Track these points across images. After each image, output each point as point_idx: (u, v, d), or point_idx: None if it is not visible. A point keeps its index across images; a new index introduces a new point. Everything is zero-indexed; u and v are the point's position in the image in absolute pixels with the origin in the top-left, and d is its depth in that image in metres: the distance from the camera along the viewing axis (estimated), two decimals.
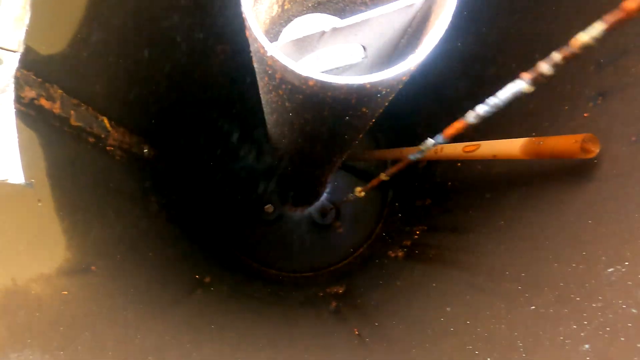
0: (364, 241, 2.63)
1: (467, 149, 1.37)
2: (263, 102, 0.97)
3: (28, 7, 0.96)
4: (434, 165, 2.14)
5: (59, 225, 0.92)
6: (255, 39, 0.60)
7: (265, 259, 2.57)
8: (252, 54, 0.76)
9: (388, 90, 0.65)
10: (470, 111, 0.78)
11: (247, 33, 0.68)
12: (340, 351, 1.15)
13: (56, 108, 1.10)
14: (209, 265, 1.89)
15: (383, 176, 1.31)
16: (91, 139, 1.29)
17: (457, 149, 1.43)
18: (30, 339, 0.62)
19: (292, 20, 0.92)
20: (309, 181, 1.93)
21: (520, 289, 0.98)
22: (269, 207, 2.71)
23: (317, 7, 0.93)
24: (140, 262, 1.23)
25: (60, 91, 1.12)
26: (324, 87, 0.60)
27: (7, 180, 0.88)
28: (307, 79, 0.59)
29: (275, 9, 0.87)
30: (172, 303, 1.14)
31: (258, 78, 0.81)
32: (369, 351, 1.12)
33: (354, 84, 0.58)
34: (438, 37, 0.60)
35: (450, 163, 1.90)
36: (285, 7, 0.89)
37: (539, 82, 0.64)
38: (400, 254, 2.07)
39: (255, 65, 0.76)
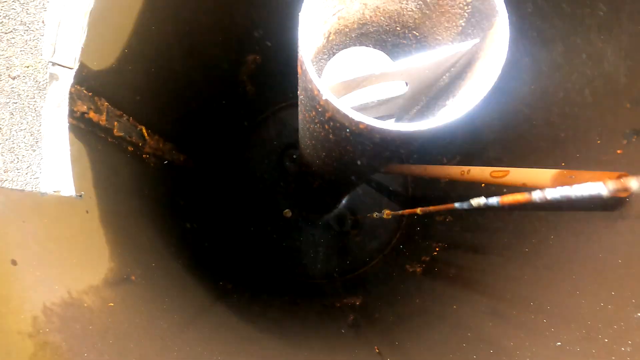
0: (381, 252, 2.65)
1: (495, 175, 1.38)
2: (302, 128, 1.00)
3: (85, 27, 1.01)
4: (457, 182, 2.14)
5: (103, 235, 0.97)
6: (311, 81, 0.63)
7: (281, 264, 2.61)
8: (299, 89, 0.79)
9: (433, 135, 0.68)
10: (538, 191, 0.80)
11: (300, 71, 0.71)
12: None
13: (102, 120, 1.15)
14: (230, 272, 1.94)
15: (418, 211, 1.32)
16: (130, 148, 1.34)
17: (484, 173, 1.44)
18: (87, 352, 0.66)
19: (334, 50, 0.95)
20: (333, 194, 1.96)
21: (546, 322, 1.00)
22: (287, 212, 2.75)
23: (360, 38, 0.96)
24: (170, 269, 1.28)
25: (106, 104, 1.17)
26: (374, 130, 0.63)
27: (59, 192, 0.93)
28: (358, 122, 0.62)
29: (321, 41, 0.91)
30: (200, 312, 1.18)
31: (302, 109, 0.85)
32: None
33: (403, 131, 0.61)
34: (487, 89, 0.62)
35: (475, 183, 1.91)
36: (330, 38, 0.92)
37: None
38: (418, 269, 2.08)
39: (302, 98, 0.80)
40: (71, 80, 1.00)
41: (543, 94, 1.42)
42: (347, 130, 0.68)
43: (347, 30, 0.90)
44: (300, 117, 0.97)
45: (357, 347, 1.38)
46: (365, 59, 0.87)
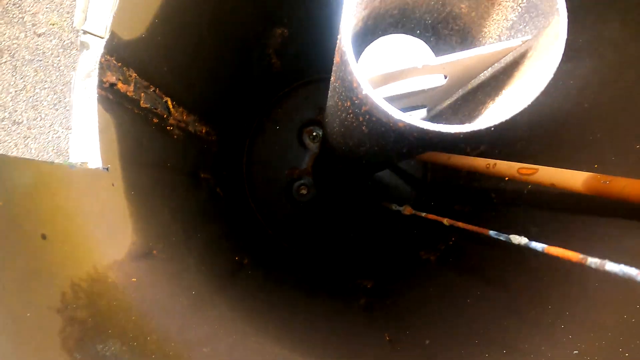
0: (395, 232, 2.64)
1: (523, 172, 1.34)
2: (332, 113, 0.98)
3: None
4: (478, 174, 2.10)
5: (127, 208, 0.98)
6: (351, 72, 0.60)
7: (295, 240, 2.63)
8: (335, 77, 0.76)
9: (473, 136, 0.65)
10: (597, 260, 0.71)
11: (338, 60, 0.68)
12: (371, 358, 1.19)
13: (130, 91, 1.14)
14: (246, 247, 1.96)
15: (445, 222, 1.29)
16: (155, 120, 1.33)
17: (512, 169, 1.40)
18: (111, 329, 0.68)
19: (371, 36, 0.91)
20: (352, 177, 1.94)
21: (564, 327, 0.98)
22: (303, 189, 2.75)
23: (400, 25, 0.92)
24: (189, 243, 1.29)
25: (134, 75, 1.16)
26: (413, 129, 0.61)
27: (87, 163, 0.94)
28: (397, 120, 0.59)
29: (359, 25, 0.87)
30: (218, 288, 1.19)
31: (336, 97, 0.82)
32: None
33: (444, 132, 0.58)
34: (536, 94, 0.59)
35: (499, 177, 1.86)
36: (368, 23, 0.88)
37: None
38: (432, 257, 2.07)
39: (338, 86, 0.77)
40: (102, 50, 0.98)
41: (580, 91, 1.36)
42: (384, 126, 0.66)
43: (387, 15, 0.87)
44: (331, 102, 0.95)
45: (369, 333, 1.40)
46: (404, 47, 0.84)
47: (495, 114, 0.60)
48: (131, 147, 1.11)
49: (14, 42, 3.72)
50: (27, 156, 3.65)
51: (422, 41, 0.86)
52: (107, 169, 0.95)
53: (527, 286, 1.24)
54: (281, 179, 2.71)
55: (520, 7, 0.68)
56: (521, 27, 0.69)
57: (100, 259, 0.75)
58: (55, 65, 3.75)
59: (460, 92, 0.93)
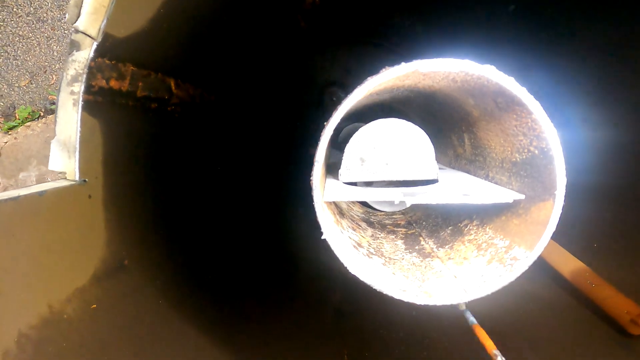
0: None
1: None
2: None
3: None
4: None
5: (103, 219, 0.98)
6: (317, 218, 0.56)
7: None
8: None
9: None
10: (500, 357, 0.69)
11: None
12: None
13: (124, 86, 1.08)
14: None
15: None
16: (154, 105, 1.28)
17: None
18: None
19: (371, 114, 0.83)
20: None
21: None
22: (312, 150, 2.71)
23: (403, 110, 0.83)
24: (165, 244, 1.28)
25: (131, 67, 1.09)
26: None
27: (65, 173, 0.92)
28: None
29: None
30: (177, 303, 1.19)
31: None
32: None
33: (410, 302, 0.55)
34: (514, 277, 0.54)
35: None
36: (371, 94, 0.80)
37: None
38: None
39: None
40: (92, 54, 0.92)
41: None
42: None
43: (392, 100, 0.78)
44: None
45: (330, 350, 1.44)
46: (400, 132, 0.76)
47: (465, 294, 0.56)
48: (120, 147, 1.08)
49: None
50: (49, 58, 3.65)
51: (421, 130, 0.78)
52: (85, 181, 0.93)
53: None
54: (291, 142, 2.67)
55: (526, 156, 0.60)
56: (522, 173, 0.62)
57: (59, 294, 0.77)
58: None
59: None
